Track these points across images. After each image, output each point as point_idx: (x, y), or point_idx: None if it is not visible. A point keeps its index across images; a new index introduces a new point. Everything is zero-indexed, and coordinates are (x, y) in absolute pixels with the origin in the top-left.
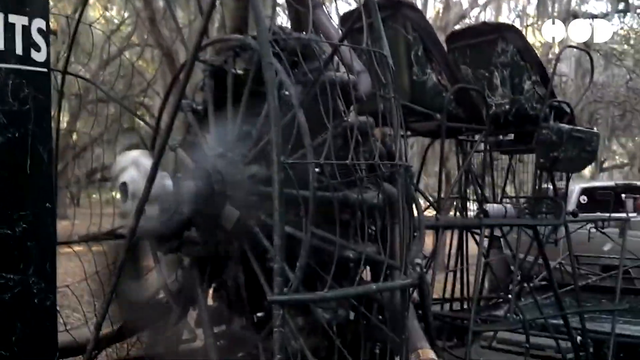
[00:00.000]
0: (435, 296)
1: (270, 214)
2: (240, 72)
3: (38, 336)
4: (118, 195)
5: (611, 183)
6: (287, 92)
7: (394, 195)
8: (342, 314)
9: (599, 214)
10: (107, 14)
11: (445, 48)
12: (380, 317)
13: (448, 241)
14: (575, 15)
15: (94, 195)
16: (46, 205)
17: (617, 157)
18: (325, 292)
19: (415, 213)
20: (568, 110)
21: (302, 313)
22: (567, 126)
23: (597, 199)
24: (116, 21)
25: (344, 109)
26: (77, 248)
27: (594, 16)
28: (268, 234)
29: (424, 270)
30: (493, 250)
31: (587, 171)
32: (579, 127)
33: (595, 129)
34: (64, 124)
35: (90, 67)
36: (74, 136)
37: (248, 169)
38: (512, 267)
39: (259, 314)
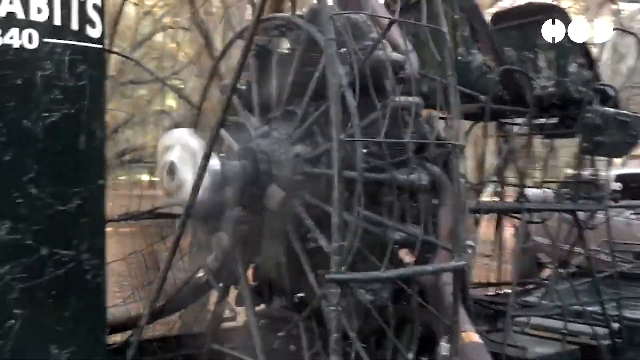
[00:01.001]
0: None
1: (314, 193)
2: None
3: (90, 312)
4: (157, 175)
5: None
6: None
7: (441, 177)
8: (385, 296)
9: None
10: None
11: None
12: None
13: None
14: None
15: (120, 177)
16: (99, 182)
17: None
18: (382, 272)
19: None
20: (613, 93)
21: (344, 295)
22: (611, 110)
23: (631, 186)
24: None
25: (394, 89)
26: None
27: None
28: (311, 215)
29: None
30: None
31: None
32: (623, 111)
33: None
34: None
35: (124, 48)
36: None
37: (293, 148)
38: (538, 255)
39: (299, 294)
